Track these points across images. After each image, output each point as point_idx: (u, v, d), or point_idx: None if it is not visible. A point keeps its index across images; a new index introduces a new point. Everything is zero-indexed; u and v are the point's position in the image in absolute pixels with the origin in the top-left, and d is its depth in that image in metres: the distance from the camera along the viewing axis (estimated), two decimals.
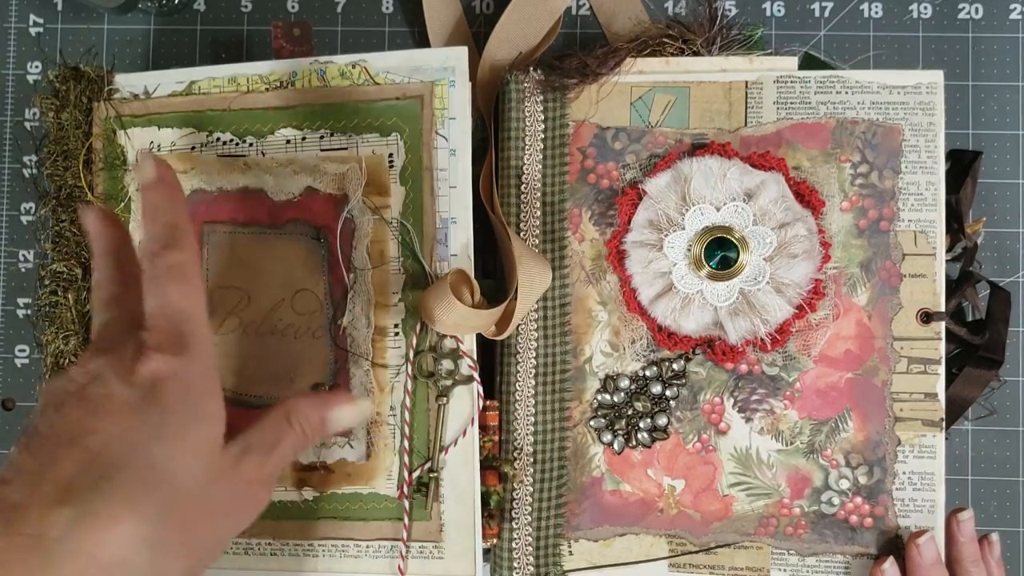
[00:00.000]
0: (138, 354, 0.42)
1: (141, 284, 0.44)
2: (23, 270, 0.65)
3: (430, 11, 0.64)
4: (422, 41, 0.65)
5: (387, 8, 0.66)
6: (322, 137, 0.58)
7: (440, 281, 0.55)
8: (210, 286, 0.59)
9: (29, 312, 0.65)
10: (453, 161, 0.58)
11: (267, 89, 0.59)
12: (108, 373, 0.42)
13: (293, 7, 0.66)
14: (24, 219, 0.65)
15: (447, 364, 0.57)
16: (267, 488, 0.46)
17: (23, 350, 0.65)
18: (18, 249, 0.65)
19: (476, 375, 0.57)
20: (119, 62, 0.65)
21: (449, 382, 0.57)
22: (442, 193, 0.58)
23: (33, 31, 0.66)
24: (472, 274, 0.56)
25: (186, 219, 0.46)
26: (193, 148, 0.59)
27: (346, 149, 0.58)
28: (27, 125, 0.65)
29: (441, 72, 0.58)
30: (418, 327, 0.57)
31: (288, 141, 0.59)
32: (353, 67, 0.58)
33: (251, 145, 0.59)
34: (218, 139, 0.59)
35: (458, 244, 0.57)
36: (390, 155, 0.58)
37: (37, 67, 0.65)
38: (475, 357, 0.57)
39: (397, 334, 0.57)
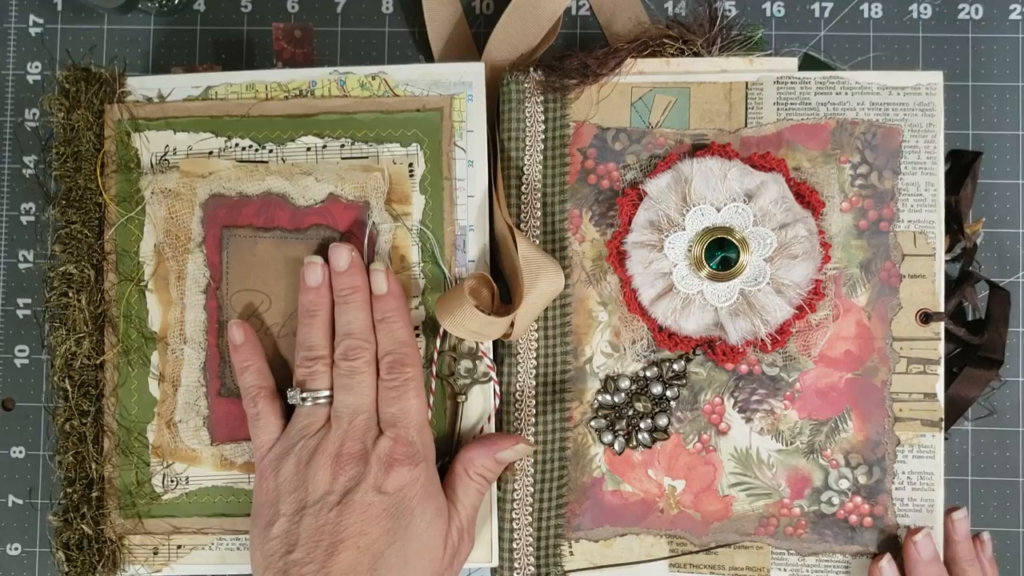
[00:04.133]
0: (387, 466, 0.52)
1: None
2: (23, 270, 0.65)
3: (430, 11, 0.64)
4: (422, 41, 0.65)
5: (387, 8, 0.66)
6: (343, 146, 0.59)
7: (456, 287, 0.56)
8: (231, 289, 0.59)
9: (30, 312, 0.65)
10: (471, 171, 0.59)
11: (286, 97, 0.59)
12: (364, 484, 0.52)
13: (293, 7, 0.66)
14: (24, 219, 0.65)
15: (466, 364, 0.58)
16: (471, 540, 0.56)
17: (23, 350, 0.65)
18: (18, 249, 0.65)
19: (494, 375, 0.58)
20: (119, 62, 0.65)
21: (468, 381, 0.58)
22: (460, 202, 0.59)
23: (33, 31, 0.65)
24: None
25: (412, 331, 0.56)
26: (211, 153, 0.59)
27: (367, 158, 0.59)
28: (27, 125, 0.65)
29: (459, 86, 0.59)
30: (442, 329, 0.58)
31: (309, 149, 0.59)
32: (373, 79, 0.59)
33: (271, 151, 0.59)
34: (237, 144, 0.59)
35: (475, 250, 0.59)
36: (411, 165, 0.59)
37: (37, 67, 0.65)
38: (492, 357, 0.59)
39: (417, 336, 0.58)
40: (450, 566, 0.54)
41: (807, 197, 0.57)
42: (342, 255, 0.56)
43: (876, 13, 0.65)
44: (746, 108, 0.59)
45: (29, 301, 0.65)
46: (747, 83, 0.59)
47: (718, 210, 0.56)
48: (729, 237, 0.56)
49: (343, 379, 0.54)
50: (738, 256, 0.56)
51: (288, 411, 0.56)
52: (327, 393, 0.54)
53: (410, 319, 0.56)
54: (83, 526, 0.58)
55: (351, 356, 0.54)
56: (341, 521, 0.51)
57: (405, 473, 0.52)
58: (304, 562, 0.50)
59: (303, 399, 0.54)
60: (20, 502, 0.64)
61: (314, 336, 0.55)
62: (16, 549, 0.64)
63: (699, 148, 0.58)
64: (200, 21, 0.65)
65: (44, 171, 0.64)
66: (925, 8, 0.65)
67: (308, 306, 0.56)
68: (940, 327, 0.58)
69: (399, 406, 0.54)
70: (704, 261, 0.56)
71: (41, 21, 0.65)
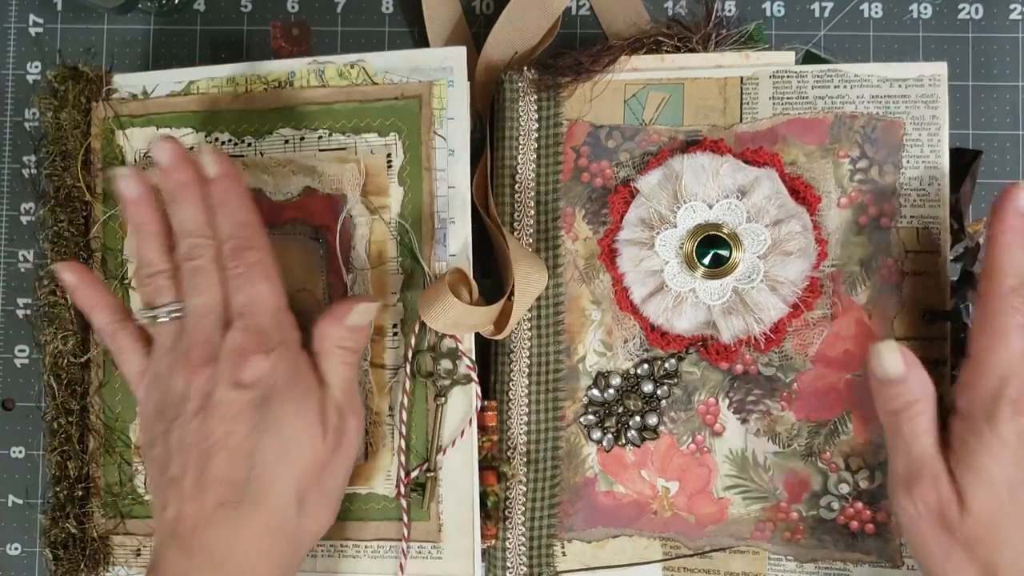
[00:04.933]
0: (240, 359, 0.49)
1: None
2: (23, 270, 0.65)
3: (429, 11, 0.63)
4: (422, 41, 0.65)
5: (387, 8, 0.66)
6: (320, 137, 0.58)
7: (438, 280, 0.55)
8: None
9: (29, 312, 0.65)
10: (452, 161, 0.58)
11: (265, 89, 0.59)
12: (221, 383, 0.48)
13: (293, 7, 0.66)
14: (24, 219, 0.65)
15: (446, 364, 0.57)
16: (356, 415, 0.53)
17: (23, 350, 0.65)
18: (18, 249, 0.65)
19: (474, 375, 0.57)
20: (119, 62, 0.65)
21: (447, 382, 0.57)
22: (441, 193, 0.58)
23: (33, 31, 0.66)
24: (471, 274, 0.56)
25: (254, 212, 0.52)
26: (191, 148, 0.59)
27: (344, 149, 0.58)
28: (27, 125, 0.65)
29: (440, 72, 0.58)
30: (417, 326, 0.57)
31: (287, 141, 0.59)
32: (352, 67, 0.58)
33: (249, 145, 0.59)
34: (216, 139, 0.59)
35: (457, 244, 0.57)
36: (388, 155, 0.58)
37: (37, 67, 0.66)
38: (474, 357, 0.57)
39: (396, 334, 0.57)
40: (338, 446, 0.51)
41: (802, 192, 0.57)
42: (163, 150, 0.52)
43: (876, 13, 0.65)
44: (741, 103, 0.58)
45: (29, 301, 0.65)
46: (742, 78, 0.58)
47: (710, 207, 0.56)
48: (720, 234, 0.55)
49: (189, 281, 0.51)
50: (730, 253, 0.55)
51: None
52: (177, 306, 0.51)
53: (249, 200, 0.52)
54: (67, 525, 0.58)
55: (192, 256, 0.51)
56: (205, 427, 0.48)
57: (261, 361, 0.49)
58: (179, 477, 0.48)
59: (152, 317, 0.51)
60: (20, 502, 0.64)
61: (147, 251, 0.52)
62: (16, 549, 0.64)
63: (692, 144, 0.58)
64: (200, 21, 0.66)
65: (39, 171, 0.64)
66: (925, 8, 0.65)
67: (134, 221, 0.53)
68: (946, 327, 0.57)
69: (246, 294, 0.50)
70: (695, 258, 0.55)
71: (41, 21, 0.66)
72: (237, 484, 0.48)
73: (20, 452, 0.64)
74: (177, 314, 0.51)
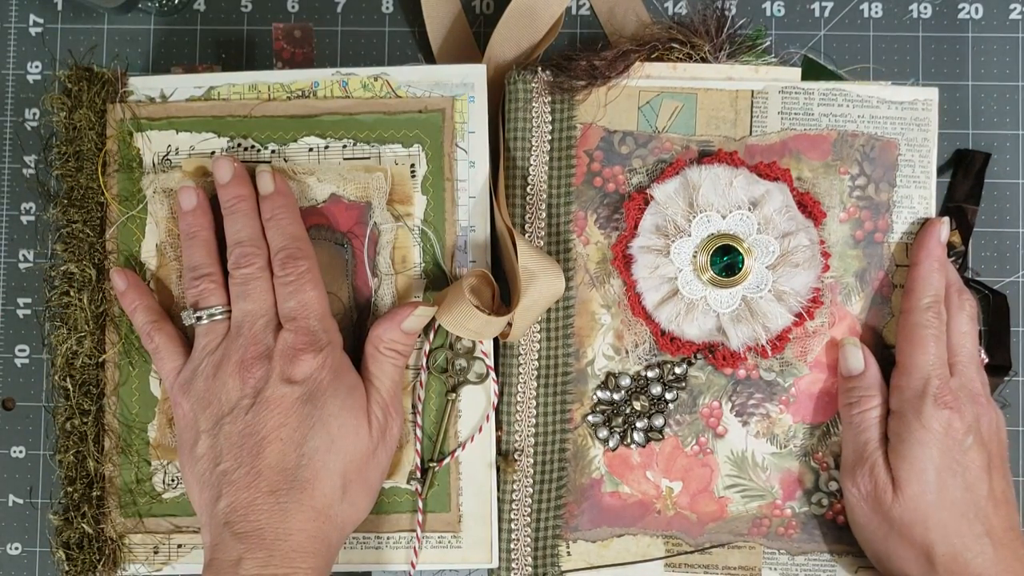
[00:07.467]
0: (291, 357, 0.55)
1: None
2: (23, 270, 0.66)
3: (429, 11, 0.65)
4: (422, 41, 0.66)
5: (387, 8, 0.67)
6: (345, 146, 0.61)
7: (456, 286, 0.57)
8: None
9: (30, 312, 0.66)
10: (472, 172, 0.61)
11: (289, 98, 0.61)
12: (273, 380, 0.54)
13: (293, 7, 0.67)
14: (24, 219, 0.66)
15: (460, 363, 0.61)
16: (399, 415, 0.59)
17: (23, 350, 0.66)
18: (18, 249, 0.66)
19: (493, 375, 0.61)
20: (119, 62, 0.66)
21: (462, 379, 0.61)
22: (462, 203, 0.61)
23: (33, 31, 0.67)
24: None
25: (303, 227, 0.58)
26: (213, 153, 0.61)
27: (369, 159, 0.61)
28: (27, 125, 0.66)
29: (461, 88, 0.61)
30: (436, 324, 0.60)
31: (311, 149, 0.61)
32: (375, 80, 0.61)
33: (273, 152, 0.61)
34: (239, 144, 0.61)
35: (477, 251, 0.61)
36: (412, 165, 0.61)
37: (37, 67, 0.67)
38: (492, 356, 0.61)
39: (419, 337, 0.61)
40: (381, 440, 0.57)
41: (810, 207, 0.60)
42: (225, 167, 0.58)
43: (876, 13, 0.67)
44: (751, 116, 0.61)
45: (29, 301, 0.66)
46: (753, 91, 0.61)
47: (723, 217, 0.58)
48: (733, 244, 0.58)
49: (238, 288, 0.56)
50: (742, 263, 0.58)
51: (192, 343, 0.58)
52: (222, 309, 0.57)
53: (299, 214, 0.59)
54: (83, 525, 0.60)
55: (243, 264, 0.56)
56: (258, 420, 0.54)
57: (310, 359, 0.55)
58: (233, 469, 0.53)
59: (198, 318, 0.57)
60: (20, 502, 0.66)
61: (197, 256, 0.58)
62: (16, 549, 0.66)
63: (706, 155, 0.60)
64: (200, 21, 0.67)
65: (45, 170, 0.65)
66: (925, 8, 0.67)
67: (187, 229, 0.58)
68: None
69: (297, 299, 0.56)
70: (708, 267, 0.58)
71: (41, 21, 0.67)
72: (288, 472, 0.53)
73: (20, 452, 0.66)
74: (221, 317, 0.57)
